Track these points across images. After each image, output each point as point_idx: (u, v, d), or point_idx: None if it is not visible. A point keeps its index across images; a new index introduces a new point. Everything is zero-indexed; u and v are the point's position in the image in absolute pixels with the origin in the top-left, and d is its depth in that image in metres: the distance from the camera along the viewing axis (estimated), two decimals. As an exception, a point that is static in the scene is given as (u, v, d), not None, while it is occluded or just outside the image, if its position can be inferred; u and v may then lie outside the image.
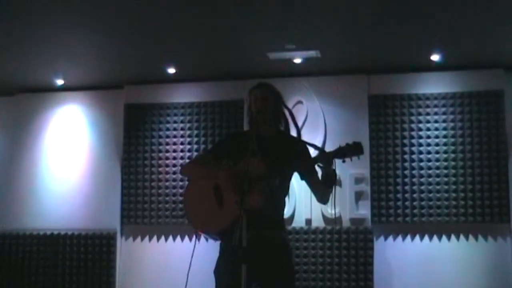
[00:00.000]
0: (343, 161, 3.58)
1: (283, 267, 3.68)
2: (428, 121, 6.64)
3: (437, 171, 6.54)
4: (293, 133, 3.93)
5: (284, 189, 3.80)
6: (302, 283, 6.54)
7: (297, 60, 6.45)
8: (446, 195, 6.49)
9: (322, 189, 3.74)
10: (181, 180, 7.02)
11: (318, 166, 3.65)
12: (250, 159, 3.41)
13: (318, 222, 6.67)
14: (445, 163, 6.54)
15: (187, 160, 6.97)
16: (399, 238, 6.63)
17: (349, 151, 3.56)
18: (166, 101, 7.25)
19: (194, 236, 3.83)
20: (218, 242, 3.78)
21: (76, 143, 7.46)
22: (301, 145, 3.83)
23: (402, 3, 5.13)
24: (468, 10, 5.20)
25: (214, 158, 3.86)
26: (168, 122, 7.21)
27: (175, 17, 5.37)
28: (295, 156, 3.71)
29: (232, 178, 3.54)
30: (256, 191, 3.47)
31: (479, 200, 6.43)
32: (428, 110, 6.65)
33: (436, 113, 6.63)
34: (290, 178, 3.83)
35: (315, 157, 3.70)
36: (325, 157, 3.58)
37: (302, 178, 3.83)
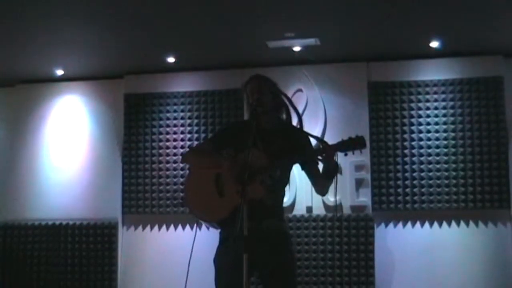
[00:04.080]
0: (345, 154, 3.62)
1: (284, 256, 3.70)
2: (428, 108, 6.65)
3: (437, 158, 6.56)
4: (294, 119, 3.94)
5: (285, 180, 3.84)
6: (303, 271, 6.57)
7: (297, 48, 6.44)
8: (446, 181, 6.52)
9: (322, 181, 3.77)
10: (182, 169, 7.04)
11: (319, 159, 3.66)
12: (251, 150, 3.42)
13: (318, 210, 6.69)
14: (445, 150, 6.56)
15: (187, 149, 6.98)
16: (400, 225, 6.66)
17: (351, 144, 3.58)
18: (166, 90, 7.26)
19: (195, 225, 3.85)
20: (218, 231, 3.80)
21: (76, 133, 7.48)
22: (303, 136, 3.85)
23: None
24: (467, -4, 5.19)
25: (215, 147, 3.88)
26: (168, 111, 7.21)
27: (174, 6, 5.34)
28: (296, 147, 3.72)
29: (234, 168, 3.57)
30: (257, 181, 3.49)
31: (479, 186, 6.46)
32: (428, 96, 6.66)
33: (436, 100, 6.64)
34: (290, 169, 3.87)
35: (317, 149, 3.71)
36: (327, 150, 3.59)
37: (302, 169, 3.86)
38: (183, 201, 6.87)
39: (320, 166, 3.73)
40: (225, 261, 3.68)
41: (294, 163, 3.82)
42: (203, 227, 3.93)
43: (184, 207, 6.86)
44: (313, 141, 3.98)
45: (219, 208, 3.61)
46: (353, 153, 3.62)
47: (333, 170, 3.67)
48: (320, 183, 3.84)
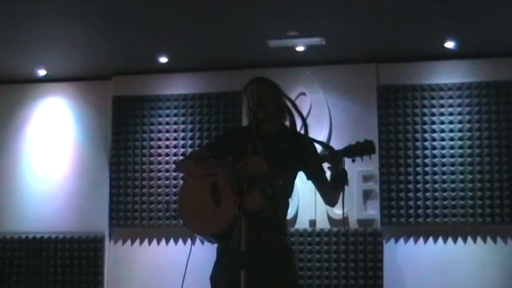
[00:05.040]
0: (353, 161, 3.57)
1: (285, 272, 3.66)
2: (442, 114, 6.62)
3: (452, 168, 6.53)
4: (299, 123, 3.92)
5: (288, 190, 3.79)
6: (302, 289, 6.54)
7: (300, 48, 6.45)
8: (461, 194, 6.48)
9: (330, 191, 3.73)
10: (175, 179, 7.02)
11: (328, 168, 3.63)
12: (252, 156, 3.39)
13: (323, 224, 6.66)
14: (461, 159, 6.53)
15: (181, 157, 6.97)
16: (411, 240, 6.63)
17: (359, 150, 3.54)
18: (158, 93, 7.25)
19: (191, 240, 3.81)
20: (215, 246, 3.77)
21: (60, 139, 7.48)
22: (307, 142, 3.82)
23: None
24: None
25: (212, 154, 3.85)
26: (160, 115, 7.20)
27: (167, 1, 5.34)
28: (300, 154, 3.70)
29: (232, 177, 3.53)
30: (257, 191, 3.46)
31: (497, 199, 6.42)
32: (442, 101, 6.64)
33: (450, 105, 6.62)
34: (294, 178, 3.82)
35: (322, 156, 3.68)
36: (334, 156, 3.56)
37: (308, 178, 3.82)
38: (176, 213, 6.85)
39: (328, 174, 3.71)
40: (222, 279, 3.63)
41: (298, 171, 3.78)
42: (198, 241, 3.90)
43: (177, 219, 6.83)
44: (319, 148, 3.96)
45: (215, 220, 3.56)
46: (362, 159, 3.58)
47: (341, 178, 3.63)
48: (328, 193, 3.81)
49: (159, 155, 7.17)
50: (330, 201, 3.86)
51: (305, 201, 6.64)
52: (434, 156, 6.59)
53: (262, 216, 3.50)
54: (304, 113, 6.48)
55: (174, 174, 7.04)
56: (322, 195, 3.85)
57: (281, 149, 3.69)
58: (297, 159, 3.67)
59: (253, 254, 3.30)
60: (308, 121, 6.45)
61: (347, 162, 3.62)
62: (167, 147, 7.15)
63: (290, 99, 3.93)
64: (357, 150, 3.55)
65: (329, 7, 5.52)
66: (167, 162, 7.12)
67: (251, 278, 3.24)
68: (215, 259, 3.75)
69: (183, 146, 7.11)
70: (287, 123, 3.89)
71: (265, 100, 3.75)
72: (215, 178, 3.65)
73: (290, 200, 3.89)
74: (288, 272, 3.69)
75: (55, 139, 7.47)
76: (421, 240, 6.61)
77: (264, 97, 3.76)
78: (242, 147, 3.54)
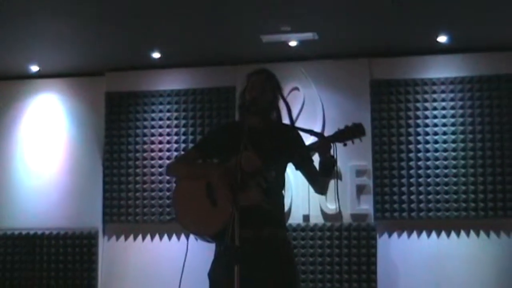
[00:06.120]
0: (344, 145, 3.59)
1: (287, 269, 3.65)
2: (435, 108, 6.63)
3: (445, 162, 6.54)
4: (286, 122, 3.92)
5: (281, 182, 3.79)
6: (301, 285, 6.53)
7: (293, 43, 6.43)
8: (455, 188, 6.49)
9: (320, 178, 3.74)
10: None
11: (318, 153, 3.63)
12: (242, 152, 3.39)
13: (316, 219, 6.67)
14: (454, 154, 6.54)
15: (175, 153, 7.00)
16: (404, 235, 6.63)
17: (349, 133, 3.55)
18: (151, 88, 7.23)
19: (187, 239, 3.79)
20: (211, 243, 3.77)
21: (53, 135, 7.44)
22: (293, 132, 3.81)
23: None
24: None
25: (201, 155, 3.84)
26: (153, 111, 7.19)
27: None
28: (289, 146, 3.70)
29: (226, 175, 3.51)
30: (253, 186, 3.46)
31: (491, 193, 6.42)
32: (435, 96, 6.64)
33: (443, 99, 6.62)
34: (285, 169, 3.82)
35: (312, 144, 3.68)
36: (323, 143, 3.57)
37: (297, 168, 3.82)
38: (173, 216, 6.83)
39: (317, 163, 3.72)
40: (220, 276, 3.61)
41: (288, 161, 3.79)
42: (191, 238, 3.90)
43: (173, 221, 6.81)
44: (310, 137, 3.94)
45: (212, 220, 3.52)
46: (353, 143, 3.59)
47: (329, 164, 3.63)
48: (318, 182, 3.81)
49: (152, 150, 7.16)
50: (321, 189, 3.87)
51: (298, 196, 6.63)
52: (427, 151, 6.59)
53: (260, 212, 3.50)
54: (297, 108, 6.65)
55: (167, 176, 7.02)
56: (312, 185, 3.86)
57: (270, 142, 3.68)
58: (286, 151, 3.67)
59: (251, 251, 3.30)
60: (301, 116, 6.63)
61: (341, 156, 3.63)
62: (160, 142, 7.14)
63: (286, 102, 3.92)
64: (347, 134, 3.56)
65: (322, 2, 5.50)
66: (160, 158, 7.11)
67: (249, 274, 3.23)
68: (213, 255, 3.76)
69: (176, 142, 7.11)
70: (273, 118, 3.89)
71: (262, 97, 3.75)
72: (208, 178, 3.64)
73: (284, 191, 3.89)
74: (287, 267, 3.69)
75: (48, 135, 7.44)
76: (414, 235, 6.62)
77: (264, 94, 3.76)
78: (232, 143, 3.53)
